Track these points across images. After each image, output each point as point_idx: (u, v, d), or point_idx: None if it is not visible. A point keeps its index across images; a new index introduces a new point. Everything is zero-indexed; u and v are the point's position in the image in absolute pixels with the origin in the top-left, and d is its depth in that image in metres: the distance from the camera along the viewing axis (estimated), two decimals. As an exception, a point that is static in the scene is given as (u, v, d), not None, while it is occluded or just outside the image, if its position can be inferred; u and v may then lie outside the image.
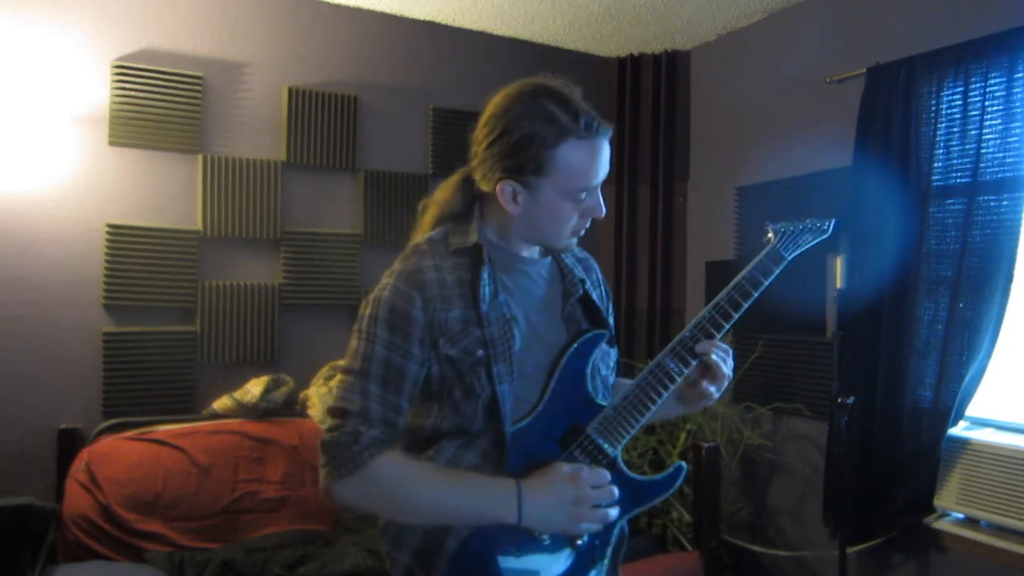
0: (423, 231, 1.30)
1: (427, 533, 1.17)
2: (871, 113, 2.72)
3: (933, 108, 2.57)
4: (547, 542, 1.17)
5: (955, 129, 2.51)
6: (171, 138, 2.82)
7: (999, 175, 2.39)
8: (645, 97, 3.75)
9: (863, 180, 2.71)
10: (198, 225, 2.88)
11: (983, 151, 2.42)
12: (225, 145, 2.95)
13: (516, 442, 1.16)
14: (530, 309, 1.24)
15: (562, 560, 1.18)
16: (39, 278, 2.63)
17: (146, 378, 2.77)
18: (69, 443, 2.56)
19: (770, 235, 1.31)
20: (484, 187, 1.23)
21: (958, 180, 2.50)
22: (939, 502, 2.54)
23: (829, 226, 1.33)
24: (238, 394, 2.78)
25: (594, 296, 1.33)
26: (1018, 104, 2.36)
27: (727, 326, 1.25)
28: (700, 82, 3.70)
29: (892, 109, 2.66)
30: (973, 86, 2.46)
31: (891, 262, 2.61)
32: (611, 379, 1.33)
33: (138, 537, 2.37)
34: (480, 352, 1.15)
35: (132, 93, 2.75)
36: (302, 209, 3.09)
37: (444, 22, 3.40)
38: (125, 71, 2.74)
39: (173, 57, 2.85)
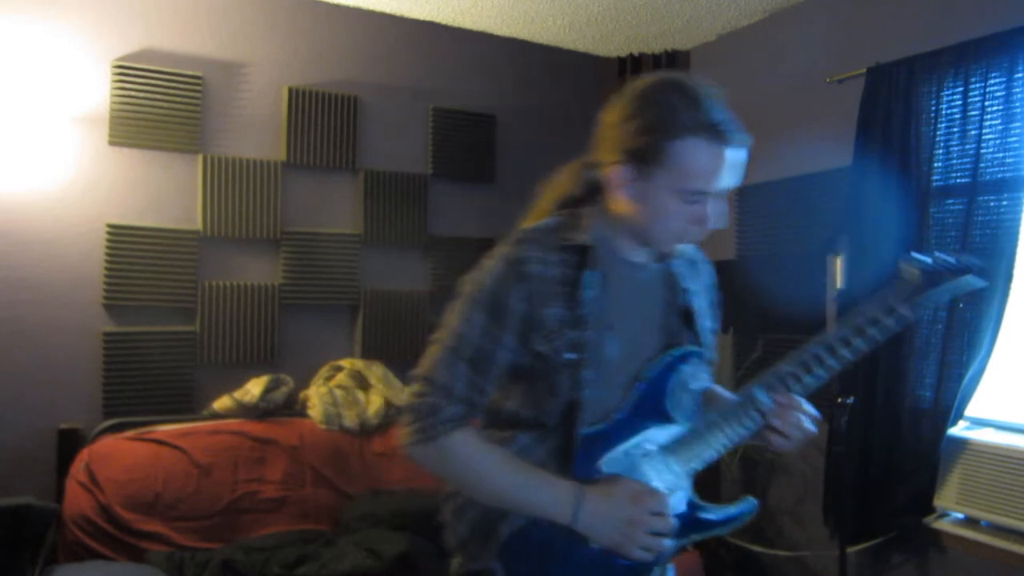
0: (537, 216, 1.27)
1: (487, 513, 1.18)
2: (871, 113, 2.72)
3: (933, 108, 2.57)
4: (598, 548, 1.16)
5: (955, 129, 2.51)
6: (171, 138, 2.82)
7: (999, 175, 2.39)
8: (645, 97, 3.75)
9: (863, 180, 2.71)
10: (198, 225, 2.88)
11: (983, 151, 2.42)
12: (225, 145, 2.95)
13: (586, 446, 1.16)
14: (629, 316, 1.21)
15: (612, 562, 1.17)
16: (39, 278, 2.63)
17: (146, 378, 2.77)
18: (69, 443, 2.56)
19: (914, 270, 1.11)
20: (603, 174, 1.20)
21: (958, 180, 2.50)
22: (939, 502, 2.53)
23: (987, 269, 1.17)
24: (238, 394, 2.78)
25: (695, 305, 1.28)
26: (1018, 104, 2.36)
27: (834, 367, 1.14)
28: (700, 82, 3.69)
29: (892, 109, 2.66)
30: (973, 86, 2.46)
31: (891, 262, 2.60)
32: (702, 388, 1.29)
33: (138, 537, 2.37)
34: (571, 355, 1.14)
35: (132, 93, 2.75)
36: (302, 209, 3.09)
37: (444, 22, 3.40)
38: (125, 71, 2.74)
39: (173, 57, 2.85)
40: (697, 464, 1.20)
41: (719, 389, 1.34)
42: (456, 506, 1.23)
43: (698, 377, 1.28)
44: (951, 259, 1.10)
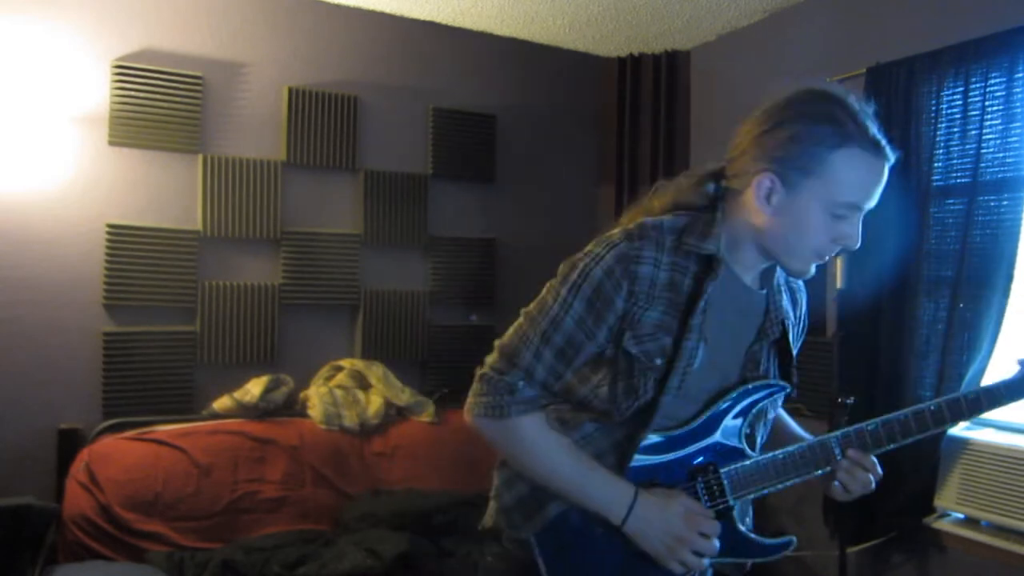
0: (644, 214, 1.22)
1: (534, 490, 1.20)
2: (871, 113, 2.72)
3: (933, 108, 2.57)
4: (633, 552, 1.17)
5: (955, 129, 2.51)
6: (171, 138, 2.82)
7: (999, 175, 2.39)
8: (645, 97, 3.75)
9: (863, 180, 2.71)
10: (198, 225, 2.88)
11: (983, 151, 2.42)
12: (225, 145, 2.95)
13: (649, 451, 1.17)
14: (723, 334, 1.19)
15: (644, 569, 1.18)
16: (39, 278, 2.63)
17: (146, 378, 2.77)
18: (69, 443, 2.56)
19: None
20: (737, 184, 1.16)
21: (958, 180, 2.50)
22: (939, 502, 2.53)
23: None
24: (238, 394, 2.78)
25: (793, 341, 1.28)
26: (1018, 104, 2.35)
27: (918, 437, 1.21)
28: (700, 82, 3.70)
29: (892, 109, 2.66)
30: (973, 86, 2.45)
31: (891, 262, 2.61)
32: (774, 416, 1.30)
33: (138, 537, 2.37)
34: (659, 360, 1.14)
35: (132, 93, 2.75)
36: (302, 209, 3.09)
37: (444, 22, 3.40)
38: (125, 71, 2.74)
39: (173, 57, 2.85)
40: (752, 495, 1.21)
41: (787, 419, 1.37)
42: (508, 476, 1.24)
43: (776, 406, 1.29)
44: None
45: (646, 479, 1.17)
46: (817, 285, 2.97)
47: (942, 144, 2.54)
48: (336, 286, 3.13)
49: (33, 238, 2.62)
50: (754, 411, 1.21)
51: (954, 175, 2.52)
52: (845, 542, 2.53)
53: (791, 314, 1.29)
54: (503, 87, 3.54)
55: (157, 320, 2.82)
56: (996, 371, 2.46)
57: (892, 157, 1.13)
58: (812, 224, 1.11)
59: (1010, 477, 2.36)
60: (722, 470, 1.18)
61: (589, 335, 1.14)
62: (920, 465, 2.54)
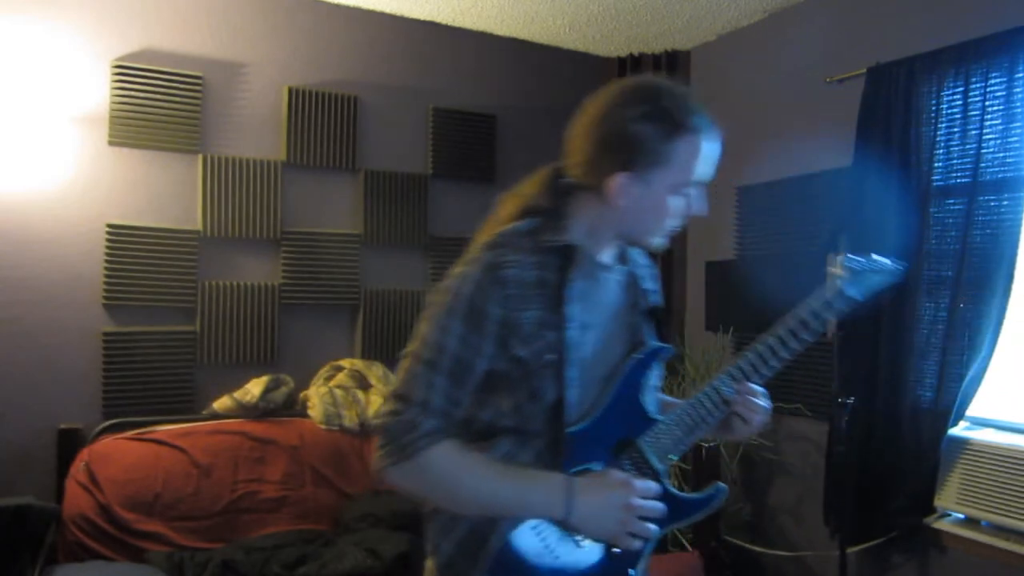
0: (497, 224, 1.27)
1: (473, 528, 1.17)
2: (871, 113, 2.72)
3: (933, 108, 2.57)
4: (585, 547, 1.17)
5: (955, 129, 2.51)
6: (171, 138, 2.82)
7: (999, 175, 2.38)
8: (645, 97, 3.74)
9: (863, 180, 2.71)
10: (198, 225, 2.88)
11: (983, 151, 2.41)
12: (225, 145, 2.95)
13: (571, 445, 1.17)
14: (603, 316, 1.24)
15: (598, 565, 1.19)
16: (39, 278, 2.63)
17: (146, 378, 2.77)
18: (69, 443, 2.56)
19: (836, 269, 1.26)
20: (588, 180, 1.22)
21: (958, 180, 2.50)
22: (939, 502, 2.53)
23: (900, 269, 1.30)
24: (238, 394, 2.78)
25: (658, 304, 1.35)
26: (1018, 104, 2.35)
27: (785, 357, 1.24)
28: (700, 82, 3.70)
29: (892, 109, 2.66)
30: (973, 86, 2.45)
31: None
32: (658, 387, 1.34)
33: (138, 537, 2.37)
34: (550, 356, 1.15)
35: (132, 93, 2.75)
36: (302, 209, 3.09)
37: (444, 22, 3.40)
38: (125, 71, 2.74)
39: (173, 57, 2.85)
40: (674, 455, 1.24)
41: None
42: (441, 524, 1.21)
43: (659, 375, 1.34)
44: (866, 259, 1.28)
45: (579, 470, 1.18)
46: (817, 285, 2.97)
47: (942, 144, 2.54)
48: (336, 286, 3.13)
49: (33, 238, 2.62)
50: (647, 377, 1.25)
51: (954, 175, 2.52)
52: (845, 542, 2.53)
53: (652, 286, 1.37)
54: (503, 87, 3.54)
55: (157, 320, 2.82)
56: (996, 371, 2.46)
57: (717, 132, 1.21)
58: (666, 207, 1.21)
59: (1010, 477, 2.36)
60: (640, 441, 1.21)
61: (476, 350, 1.14)
62: (920, 465, 2.55)
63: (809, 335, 1.24)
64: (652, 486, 1.18)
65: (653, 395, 1.30)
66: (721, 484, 1.26)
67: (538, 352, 1.14)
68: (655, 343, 1.27)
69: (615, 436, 1.21)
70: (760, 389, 1.27)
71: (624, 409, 1.21)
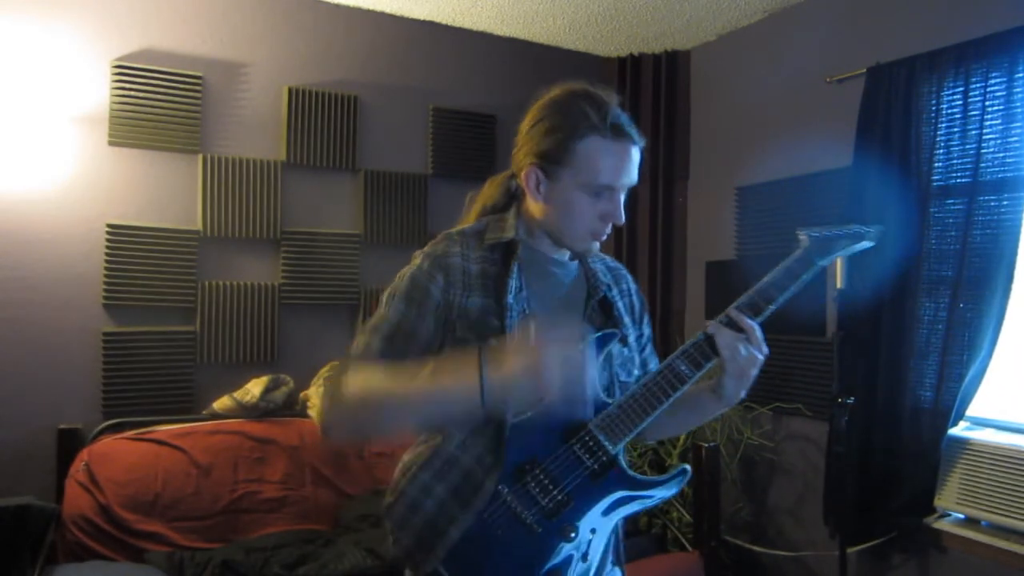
0: (465, 222, 1.35)
1: (430, 521, 1.20)
2: (871, 113, 2.72)
3: (933, 108, 2.57)
4: (540, 531, 1.18)
5: (955, 129, 2.51)
6: (171, 138, 2.82)
7: (999, 175, 2.39)
8: (645, 97, 3.75)
9: (863, 180, 2.71)
10: (198, 225, 2.88)
11: (983, 151, 2.42)
12: (225, 145, 2.95)
13: (517, 434, 1.18)
14: (552, 308, 1.27)
15: (557, 553, 1.19)
16: (39, 278, 2.63)
17: (146, 378, 2.77)
18: (69, 443, 2.56)
19: (802, 238, 1.28)
20: (519, 179, 1.30)
21: (958, 180, 2.50)
22: (939, 502, 2.54)
23: (871, 233, 1.27)
24: (238, 394, 2.78)
25: (619, 304, 1.36)
26: (1018, 104, 2.36)
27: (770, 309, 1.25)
28: (700, 82, 3.70)
29: (892, 109, 2.66)
30: (973, 86, 2.46)
31: (891, 262, 2.61)
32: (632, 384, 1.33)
33: (138, 537, 2.37)
34: (493, 342, 1.17)
35: (132, 93, 2.75)
36: (302, 209, 3.09)
37: (444, 22, 3.40)
38: (125, 71, 2.74)
39: (173, 57, 2.85)
40: (630, 435, 1.22)
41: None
42: (399, 516, 1.24)
43: (631, 365, 1.35)
44: (835, 227, 1.29)
45: (526, 459, 1.19)
46: (817, 285, 2.97)
47: (942, 144, 2.54)
48: (336, 286, 3.13)
49: (33, 238, 2.62)
50: (599, 364, 1.26)
51: (954, 175, 2.52)
52: (845, 542, 2.53)
53: (615, 288, 1.38)
54: (503, 87, 3.54)
55: (157, 320, 2.82)
56: (997, 371, 2.46)
57: (638, 139, 1.25)
58: (576, 207, 1.24)
59: (1010, 477, 2.36)
60: (590, 423, 1.21)
61: (417, 321, 1.21)
62: (920, 465, 2.55)
63: (770, 306, 1.23)
64: (566, 328, 1.09)
65: (620, 386, 1.31)
66: (686, 466, 1.27)
67: (483, 338, 1.19)
68: (602, 330, 1.28)
69: (564, 423, 1.21)
70: (754, 325, 1.22)
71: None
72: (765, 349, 1.23)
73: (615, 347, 1.31)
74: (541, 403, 1.08)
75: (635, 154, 1.26)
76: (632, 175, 1.26)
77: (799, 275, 1.24)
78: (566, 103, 1.25)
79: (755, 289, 1.24)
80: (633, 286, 1.46)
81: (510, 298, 1.21)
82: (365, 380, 1.15)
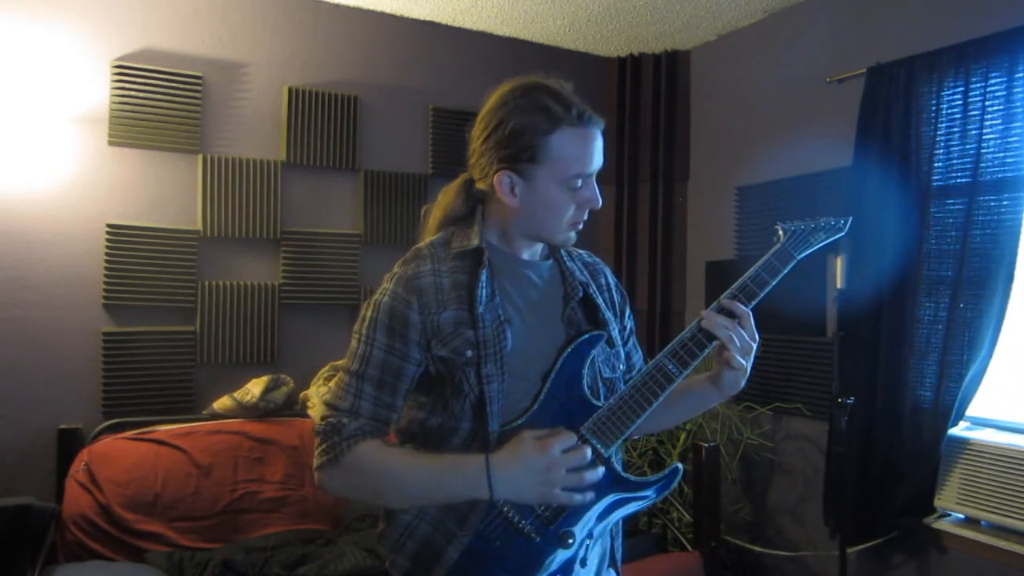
0: (427, 235, 1.33)
1: (426, 541, 1.19)
2: (871, 113, 2.72)
3: (933, 108, 2.57)
4: (539, 540, 1.17)
5: (955, 129, 2.51)
6: (171, 138, 2.82)
7: (999, 175, 2.39)
8: (645, 97, 3.75)
9: (863, 180, 2.71)
10: (198, 225, 2.88)
11: (983, 151, 2.42)
12: (225, 145, 2.95)
13: (503, 441, 1.17)
14: (527, 312, 1.25)
15: (556, 561, 1.19)
16: (39, 278, 2.63)
17: (146, 378, 2.77)
18: (69, 443, 2.56)
19: (780, 233, 1.31)
20: (482, 184, 1.27)
21: (958, 180, 2.50)
22: (939, 502, 2.54)
23: (844, 224, 1.33)
24: (238, 394, 2.78)
25: (599, 300, 1.34)
26: (1018, 104, 2.36)
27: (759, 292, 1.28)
28: (700, 82, 3.70)
29: (892, 109, 2.66)
30: (973, 86, 2.46)
31: (891, 262, 2.61)
32: (620, 382, 1.33)
33: (138, 537, 2.37)
34: (470, 352, 1.17)
35: (132, 93, 2.75)
36: (302, 209, 3.09)
37: (444, 22, 3.40)
38: (125, 71, 2.74)
39: (173, 57, 2.85)
40: (623, 436, 1.22)
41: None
42: (393, 541, 1.23)
43: (618, 361, 1.34)
44: (809, 220, 1.36)
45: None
46: (817, 285, 2.98)
47: (942, 144, 2.54)
48: (336, 286, 3.13)
49: (33, 238, 2.62)
50: (586, 366, 1.25)
51: (954, 175, 2.52)
52: (845, 542, 2.53)
53: (592, 284, 1.36)
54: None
55: (157, 320, 2.82)
56: (996, 371, 2.46)
57: (599, 122, 1.24)
58: (556, 202, 1.22)
59: (1010, 477, 2.37)
60: (582, 427, 1.20)
61: (402, 357, 1.19)
62: (920, 465, 2.55)
63: (751, 301, 1.26)
64: (567, 438, 1.16)
65: (607, 384, 1.30)
66: (679, 466, 1.26)
67: (458, 350, 1.18)
68: (587, 332, 1.27)
69: (555, 427, 1.20)
70: (748, 311, 1.25)
71: (563, 400, 1.21)
72: (758, 336, 1.26)
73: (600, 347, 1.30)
74: (545, 502, 1.15)
75: (600, 135, 1.25)
76: (601, 156, 1.25)
77: (779, 269, 1.28)
78: (524, 101, 1.24)
79: (736, 285, 1.26)
80: (612, 280, 1.44)
81: (481, 308, 1.19)
82: (367, 454, 1.16)
